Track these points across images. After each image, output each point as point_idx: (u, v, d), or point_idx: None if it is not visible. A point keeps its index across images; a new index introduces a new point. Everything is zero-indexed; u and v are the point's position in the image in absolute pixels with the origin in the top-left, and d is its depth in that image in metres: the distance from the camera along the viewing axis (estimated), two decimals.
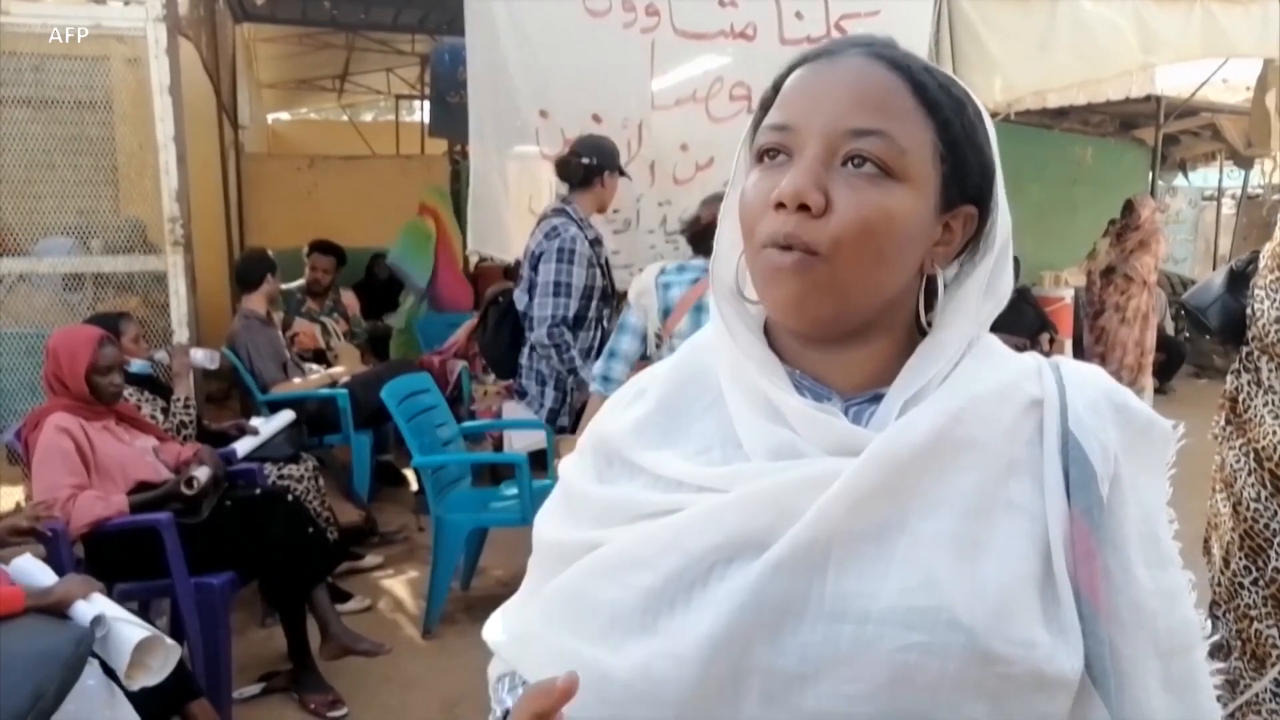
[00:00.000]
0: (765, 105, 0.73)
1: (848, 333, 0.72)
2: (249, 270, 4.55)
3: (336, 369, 4.84)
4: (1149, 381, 6.52)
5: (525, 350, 3.52)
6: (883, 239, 0.67)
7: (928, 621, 0.62)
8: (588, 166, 3.40)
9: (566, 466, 0.82)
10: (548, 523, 0.81)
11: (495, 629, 0.83)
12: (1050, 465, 0.68)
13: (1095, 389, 0.72)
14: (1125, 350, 6.24)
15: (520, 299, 3.50)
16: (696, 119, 3.88)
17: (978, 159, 0.71)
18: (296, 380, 4.52)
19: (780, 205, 0.67)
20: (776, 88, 0.73)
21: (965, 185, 0.71)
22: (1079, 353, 6.71)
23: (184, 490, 2.80)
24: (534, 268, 3.38)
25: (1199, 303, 2.25)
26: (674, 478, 0.72)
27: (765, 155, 0.71)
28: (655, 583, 0.67)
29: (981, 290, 0.72)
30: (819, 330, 0.72)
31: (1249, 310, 2.06)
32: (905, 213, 0.67)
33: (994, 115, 4.48)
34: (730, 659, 0.64)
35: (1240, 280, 2.17)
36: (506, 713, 0.73)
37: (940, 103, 0.69)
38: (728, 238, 0.76)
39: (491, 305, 3.50)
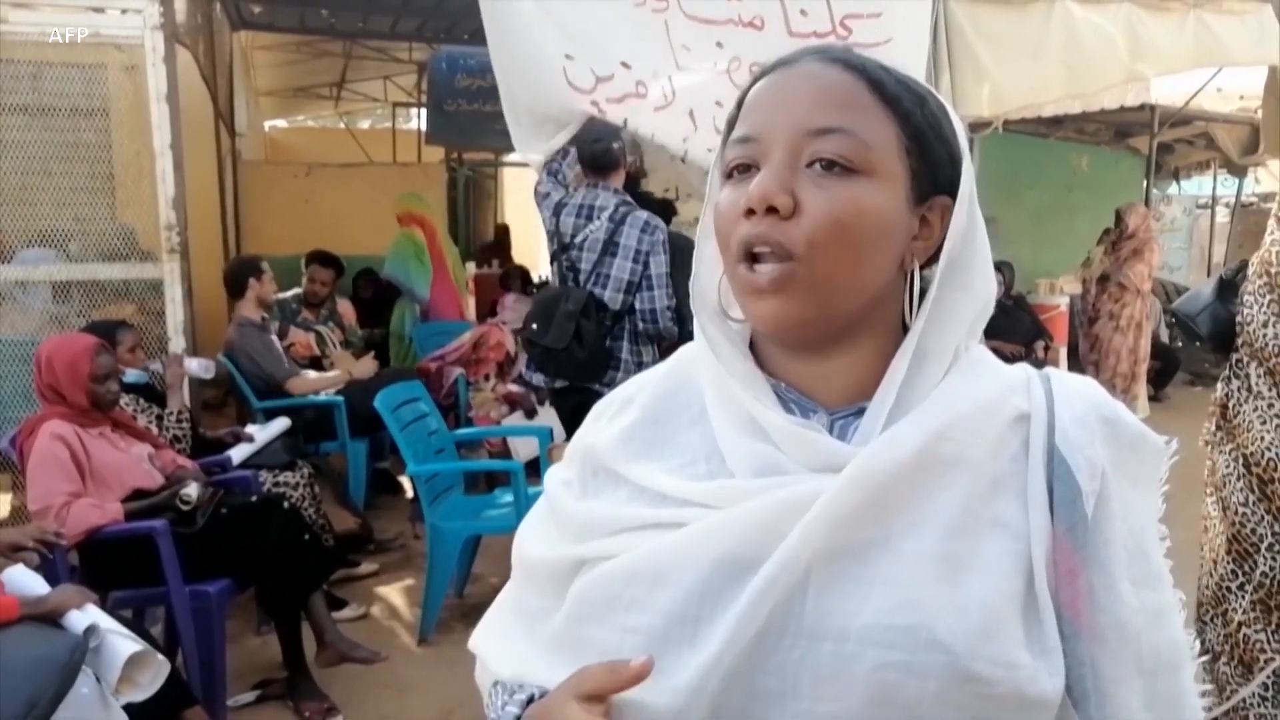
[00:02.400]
0: (731, 123, 0.74)
1: (833, 337, 0.71)
2: (233, 278, 4.55)
3: (362, 364, 4.83)
4: (1143, 389, 6.53)
5: (625, 345, 3.43)
6: (856, 234, 0.66)
7: (908, 641, 0.62)
8: (620, 149, 3.44)
9: (551, 478, 0.81)
10: (529, 538, 0.81)
11: (488, 649, 0.81)
12: (1035, 482, 0.68)
13: (1084, 403, 0.71)
14: (1119, 358, 6.26)
15: (615, 298, 3.36)
16: (724, 85, 3.83)
17: (945, 150, 0.71)
18: (311, 374, 4.52)
19: (750, 211, 0.67)
20: (739, 104, 0.74)
21: (936, 177, 0.71)
22: (1074, 360, 6.73)
23: (180, 506, 2.80)
24: (643, 264, 3.35)
25: (1188, 311, 2.27)
26: (658, 490, 0.72)
27: (734, 170, 0.71)
28: (654, 621, 0.67)
29: (939, 281, 0.70)
30: (804, 336, 0.71)
31: (1238, 317, 2.08)
32: (876, 206, 0.67)
33: (987, 125, 4.48)
34: (716, 682, 0.64)
35: (1230, 288, 2.19)
36: (531, 698, 0.71)
37: (899, 96, 0.70)
38: (708, 257, 0.76)
39: (581, 316, 3.31)
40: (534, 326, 3.41)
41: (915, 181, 0.70)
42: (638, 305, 3.39)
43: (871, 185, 0.67)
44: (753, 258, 0.68)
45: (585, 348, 3.30)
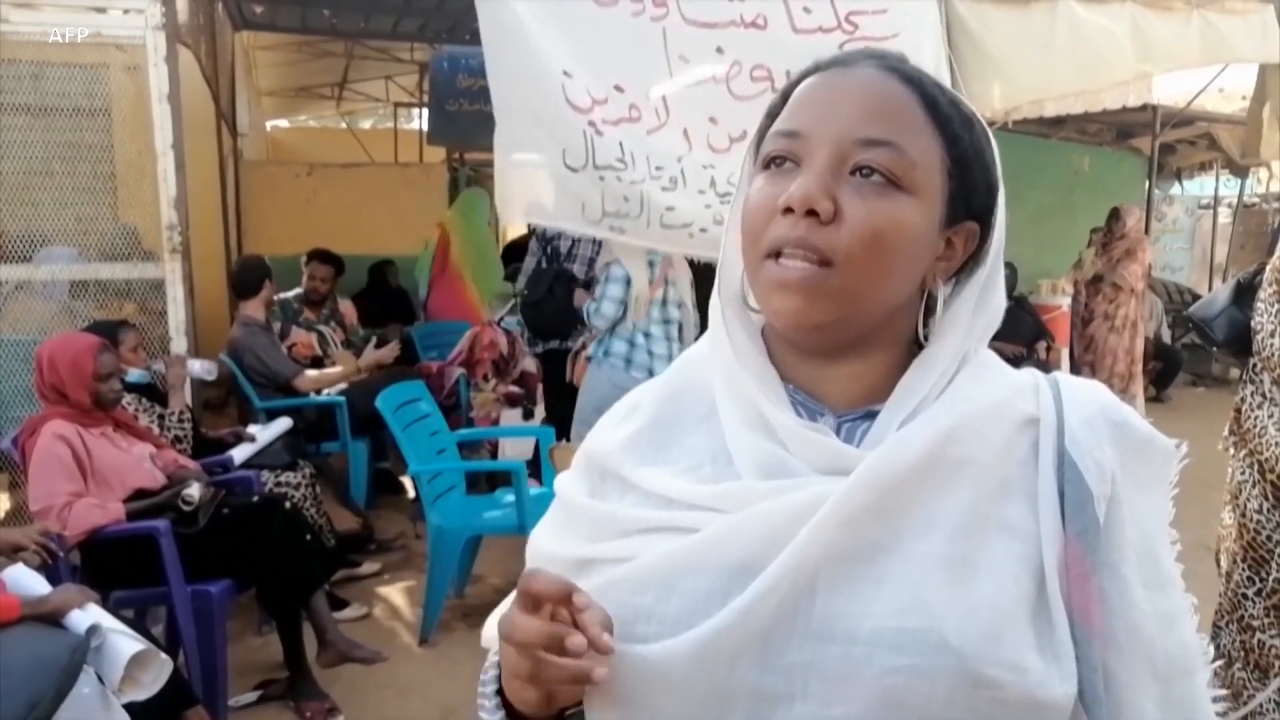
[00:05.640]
0: (773, 113, 0.73)
1: (846, 344, 0.71)
2: (246, 277, 4.54)
3: (383, 351, 4.79)
4: (1140, 389, 6.52)
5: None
6: (892, 250, 0.67)
7: (917, 644, 0.62)
8: None
9: (562, 482, 0.82)
10: (543, 536, 0.81)
11: (493, 638, 0.81)
12: (1045, 486, 0.67)
13: (1092, 405, 0.71)
14: (1115, 358, 6.25)
15: (581, 270, 4.25)
16: (720, 97, 3.80)
17: (984, 176, 0.72)
18: (312, 373, 4.51)
19: (789, 210, 0.67)
20: (785, 95, 0.73)
21: (970, 201, 0.71)
22: (1073, 361, 6.72)
23: (182, 506, 2.80)
24: (594, 243, 4.08)
25: (1205, 315, 2.27)
26: (665, 494, 0.72)
27: (772, 162, 0.70)
28: (663, 631, 0.67)
29: (972, 306, 0.72)
30: (818, 340, 0.71)
31: (1252, 323, 2.07)
32: (913, 224, 0.67)
33: (992, 124, 4.47)
34: (715, 676, 0.64)
35: (1248, 292, 2.18)
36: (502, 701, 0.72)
37: (950, 118, 0.70)
38: (734, 245, 0.75)
39: (555, 279, 4.13)
40: (526, 291, 4.38)
41: (950, 203, 0.70)
42: (594, 272, 4.12)
43: (912, 203, 0.67)
44: (781, 254, 0.68)
45: (556, 298, 4.14)
